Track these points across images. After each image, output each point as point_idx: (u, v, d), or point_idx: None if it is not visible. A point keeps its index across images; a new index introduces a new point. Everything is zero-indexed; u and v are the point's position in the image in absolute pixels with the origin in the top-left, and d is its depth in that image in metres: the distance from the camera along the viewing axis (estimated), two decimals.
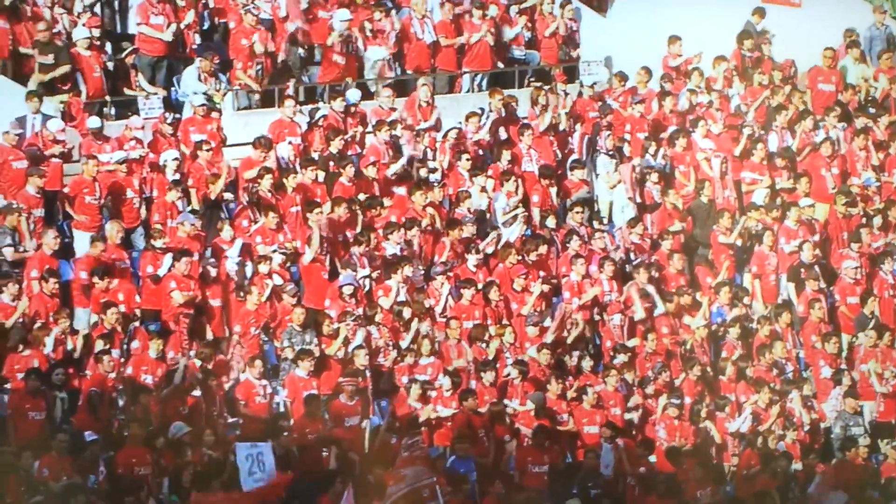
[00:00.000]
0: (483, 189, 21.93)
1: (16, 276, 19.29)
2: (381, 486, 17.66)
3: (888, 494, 20.02)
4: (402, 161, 21.82)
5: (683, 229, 22.44)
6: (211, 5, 23.19)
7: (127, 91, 21.88)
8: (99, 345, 18.92)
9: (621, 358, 20.57)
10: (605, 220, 22.70)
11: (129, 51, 21.96)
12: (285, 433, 18.77)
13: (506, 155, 22.47)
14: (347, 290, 20.11)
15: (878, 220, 22.92)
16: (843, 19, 25.28)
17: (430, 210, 21.42)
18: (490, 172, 22.33)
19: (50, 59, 21.18)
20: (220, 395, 19.25)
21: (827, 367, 21.36)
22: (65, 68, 21.19)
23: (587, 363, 20.58)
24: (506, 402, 19.93)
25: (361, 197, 21.43)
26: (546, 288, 21.21)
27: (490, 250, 21.53)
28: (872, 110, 24.29)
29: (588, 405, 20.02)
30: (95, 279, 19.42)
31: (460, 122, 22.63)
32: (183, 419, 18.51)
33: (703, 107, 23.80)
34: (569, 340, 20.88)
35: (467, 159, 22.17)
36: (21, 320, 18.93)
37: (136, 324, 19.50)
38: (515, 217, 21.95)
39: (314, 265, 20.65)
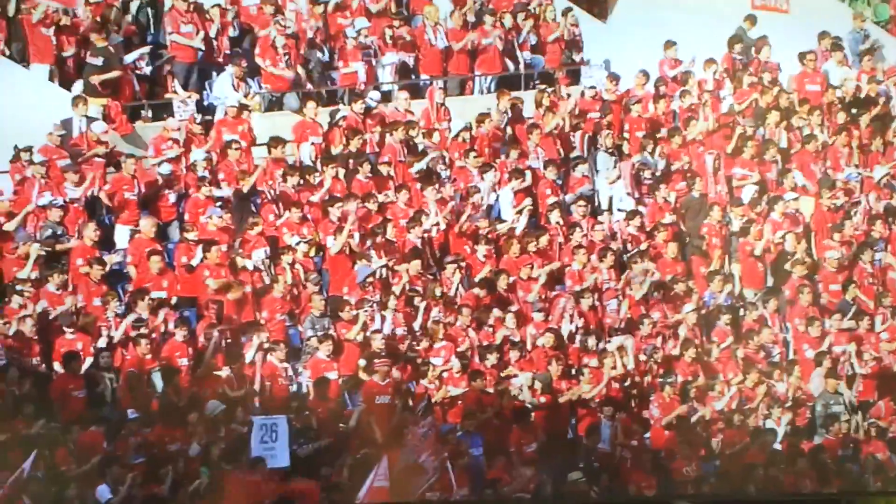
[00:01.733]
0: (493, 188, 23.05)
1: (61, 267, 20.46)
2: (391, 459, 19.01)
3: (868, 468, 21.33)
4: (427, 160, 22.95)
5: (674, 221, 23.54)
6: (240, 11, 24.23)
7: (167, 95, 23.03)
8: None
9: (618, 340, 21.70)
10: (605, 213, 23.76)
11: (166, 59, 23.13)
12: (306, 412, 19.95)
13: (513, 154, 23.63)
14: (366, 280, 21.30)
15: (858, 215, 23.87)
16: (828, 25, 26.15)
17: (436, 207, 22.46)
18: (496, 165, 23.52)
19: (99, 61, 22.41)
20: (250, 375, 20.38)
21: (811, 350, 22.39)
22: (114, 74, 22.41)
23: (592, 342, 21.66)
24: (514, 379, 21.04)
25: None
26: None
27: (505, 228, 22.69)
28: (855, 110, 25.25)
29: (586, 384, 21.20)
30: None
31: (469, 123, 23.84)
32: (218, 398, 19.68)
33: (696, 107, 24.76)
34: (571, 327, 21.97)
35: (475, 157, 23.36)
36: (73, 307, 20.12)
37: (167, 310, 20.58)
38: (522, 211, 23.15)
39: (340, 256, 21.78)
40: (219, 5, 23.74)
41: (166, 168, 21.89)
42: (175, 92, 23.01)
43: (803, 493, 20.84)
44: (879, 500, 21.09)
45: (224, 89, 23.20)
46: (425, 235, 22.27)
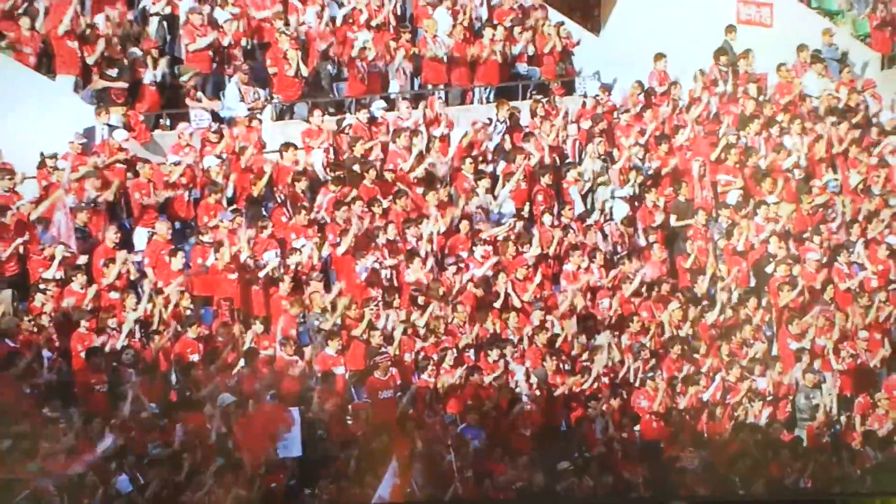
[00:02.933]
0: (487, 190, 24.05)
1: (83, 268, 21.23)
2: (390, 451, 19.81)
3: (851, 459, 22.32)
4: (424, 166, 23.92)
5: (662, 224, 24.53)
6: (252, 25, 25.08)
7: (188, 101, 23.97)
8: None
9: (607, 338, 22.69)
10: (597, 217, 24.75)
11: (192, 74, 23.99)
12: (314, 402, 20.77)
13: (517, 159, 24.49)
14: (364, 277, 22.23)
15: (836, 217, 25.00)
16: (809, 38, 27.18)
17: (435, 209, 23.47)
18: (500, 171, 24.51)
19: (114, 72, 23.38)
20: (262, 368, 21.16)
21: (794, 343, 23.33)
22: (122, 84, 23.42)
23: (580, 341, 22.56)
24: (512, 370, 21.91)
25: None
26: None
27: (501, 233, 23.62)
28: (834, 119, 26.27)
29: (579, 378, 22.17)
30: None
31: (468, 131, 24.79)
32: (230, 391, 20.47)
33: (684, 113, 25.80)
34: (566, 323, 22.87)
35: (470, 162, 24.29)
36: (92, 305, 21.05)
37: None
38: (518, 214, 24.06)
39: (346, 256, 22.62)
40: (231, 18, 24.63)
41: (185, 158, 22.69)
42: (199, 100, 23.88)
43: (798, 491, 21.58)
44: (875, 501, 21.82)
45: (233, 99, 24.10)
46: (426, 237, 23.15)
